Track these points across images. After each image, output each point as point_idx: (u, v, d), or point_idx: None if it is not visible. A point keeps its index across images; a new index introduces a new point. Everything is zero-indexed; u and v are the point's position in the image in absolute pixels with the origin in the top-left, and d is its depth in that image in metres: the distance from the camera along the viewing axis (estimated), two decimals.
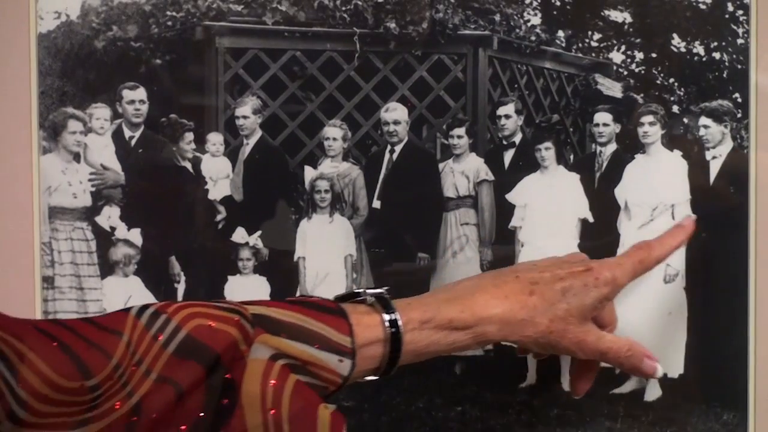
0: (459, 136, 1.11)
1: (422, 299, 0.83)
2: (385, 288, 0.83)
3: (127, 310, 0.74)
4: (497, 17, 1.09)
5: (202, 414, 0.71)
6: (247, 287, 1.10)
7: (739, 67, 1.09)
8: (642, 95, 1.10)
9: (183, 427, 0.70)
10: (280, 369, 0.74)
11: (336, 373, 0.77)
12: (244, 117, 1.10)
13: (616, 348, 0.87)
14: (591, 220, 1.11)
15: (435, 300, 0.83)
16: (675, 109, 1.10)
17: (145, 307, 0.74)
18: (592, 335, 0.86)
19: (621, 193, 1.11)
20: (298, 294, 1.11)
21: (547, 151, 1.11)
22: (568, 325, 0.84)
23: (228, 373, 0.72)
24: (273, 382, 0.73)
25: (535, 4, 1.09)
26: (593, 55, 1.10)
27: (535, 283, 0.84)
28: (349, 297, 0.83)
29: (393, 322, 0.79)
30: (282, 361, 0.74)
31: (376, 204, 1.11)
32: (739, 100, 1.09)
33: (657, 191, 1.10)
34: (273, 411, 0.73)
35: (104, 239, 1.09)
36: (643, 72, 1.10)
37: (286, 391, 0.73)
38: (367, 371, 0.80)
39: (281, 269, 1.11)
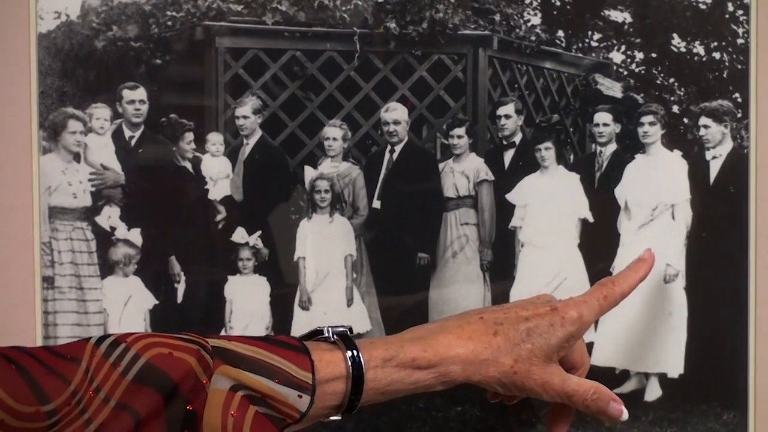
0: (459, 136, 1.11)
1: (386, 338, 0.84)
2: (348, 327, 0.84)
3: (86, 340, 0.74)
4: (497, 17, 1.09)
5: None
6: (247, 287, 1.10)
7: (739, 67, 1.09)
8: (642, 95, 1.10)
9: None
10: (240, 400, 0.75)
11: (294, 408, 0.77)
12: (244, 117, 1.10)
13: (582, 391, 0.87)
14: (591, 220, 1.11)
15: (398, 339, 0.84)
16: (675, 109, 1.10)
17: (104, 336, 0.74)
18: (557, 377, 0.86)
19: (621, 193, 1.11)
20: (298, 295, 1.11)
21: (547, 151, 1.11)
22: (532, 366, 0.84)
23: (189, 405, 0.72)
24: (233, 413, 0.74)
25: (535, 4, 1.09)
26: (593, 55, 1.10)
27: (499, 324, 0.85)
28: (313, 335, 0.84)
29: (355, 359, 0.80)
30: (242, 392, 0.75)
31: (376, 204, 1.11)
32: (739, 100, 1.09)
33: (657, 191, 1.10)
34: None
35: (104, 239, 1.09)
36: (643, 72, 1.10)
37: (246, 423, 0.74)
38: (329, 408, 0.81)
39: (281, 269, 1.11)
